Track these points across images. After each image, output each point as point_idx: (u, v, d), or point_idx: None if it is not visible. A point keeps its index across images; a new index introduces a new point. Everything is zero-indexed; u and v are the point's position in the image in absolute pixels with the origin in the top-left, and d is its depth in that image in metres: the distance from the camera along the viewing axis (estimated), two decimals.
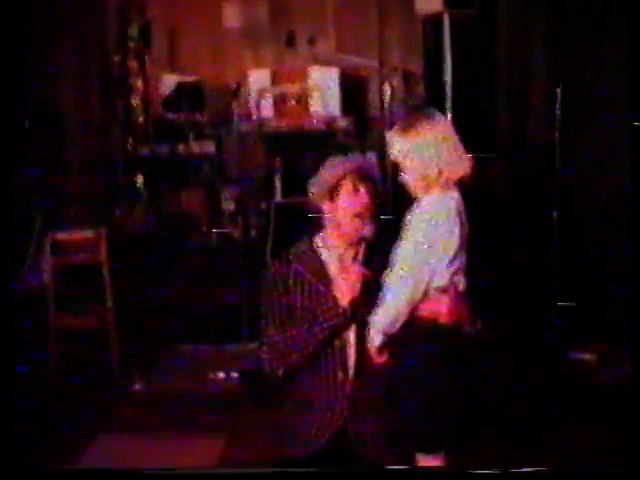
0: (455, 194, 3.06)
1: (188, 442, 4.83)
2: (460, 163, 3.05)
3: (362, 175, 3.21)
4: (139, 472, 3.16)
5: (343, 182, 3.20)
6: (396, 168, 3.09)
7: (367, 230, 3.19)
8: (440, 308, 3.06)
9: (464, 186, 3.07)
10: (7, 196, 3.85)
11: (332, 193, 3.21)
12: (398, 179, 3.09)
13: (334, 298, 3.13)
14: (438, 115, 3.12)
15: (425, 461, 3.14)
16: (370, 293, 3.10)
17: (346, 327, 3.18)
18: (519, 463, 4.16)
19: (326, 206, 3.24)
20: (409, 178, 3.07)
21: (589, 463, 4.21)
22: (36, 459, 4.33)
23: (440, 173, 3.02)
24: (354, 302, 3.12)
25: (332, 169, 3.23)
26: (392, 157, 3.10)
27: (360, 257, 3.22)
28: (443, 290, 3.06)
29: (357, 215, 3.18)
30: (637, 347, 4.26)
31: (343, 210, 3.20)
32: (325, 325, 3.13)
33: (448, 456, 3.11)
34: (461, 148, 3.07)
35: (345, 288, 3.11)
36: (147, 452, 4.72)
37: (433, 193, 3.04)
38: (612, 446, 4.37)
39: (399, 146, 3.07)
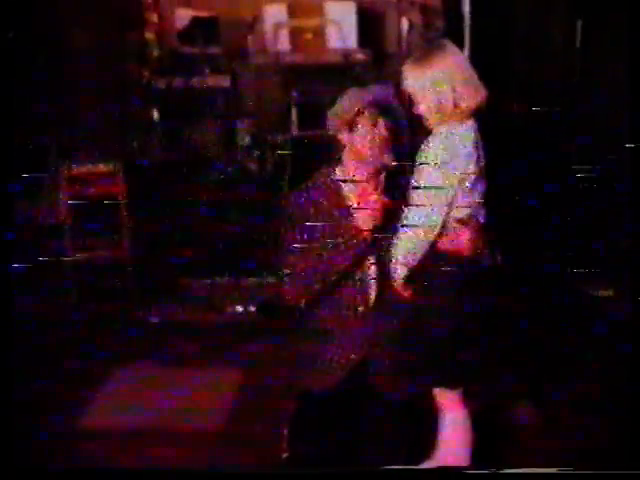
0: (471, 123, 3.05)
1: (206, 374, 4.87)
2: (475, 94, 3.05)
3: (381, 107, 3.19)
4: (139, 472, 3.20)
5: (362, 114, 3.18)
6: (411, 100, 3.08)
7: (386, 159, 3.18)
8: (460, 240, 3.06)
9: (481, 117, 3.05)
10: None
11: (351, 124, 3.20)
12: (413, 110, 3.09)
13: (355, 227, 3.12)
14: (452, 47, 3.10)
15: (443, 395, 3.16)
16: (390, 222, 3.09)
17: (367, 256, 3.17)
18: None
19: (345, 137, 3.23)
20: (424, 109, 3.06)
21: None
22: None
23: (455, 104, 3.02)
24: (375, 230, 3.11)
25: (351, 101, 3.21)
26: (407, 89, 3.09)
27: (380, 186, 3.20)
28: (464, 222, 3.06)
29: (376, 146, 3.17)
30: None
31: (362, 141, 3.18)
32: (347, 254, 3.13)
33: (465, 393, 3.14)
34: (476, 79, 3.06)
35: (366, 216, 3.11)
36: (164, 384, 4.76)
37: (449, 124, 3.03)
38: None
39: (413, 78, 3.07)
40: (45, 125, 6.88)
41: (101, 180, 6.04)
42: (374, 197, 3.13)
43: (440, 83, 3.01)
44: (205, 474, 3.40)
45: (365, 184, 3.21)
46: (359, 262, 3.18)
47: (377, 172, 3.21)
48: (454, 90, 3.01)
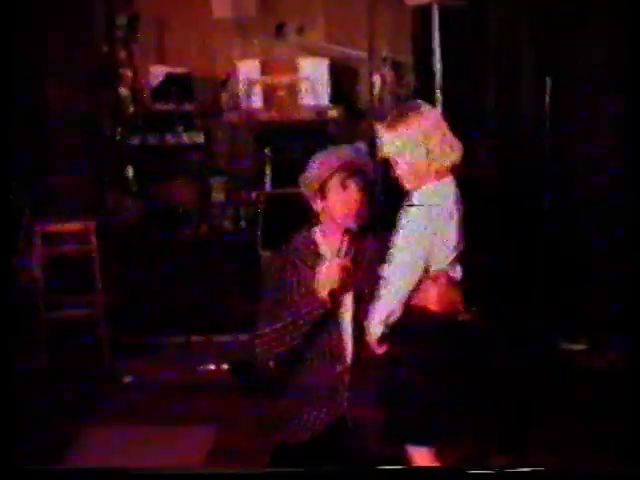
0: (449, 181, 3.06)
1: (179, 434, 4.83)
2: (451, 152, 3.05)
3: (351, 170, 3.19)
4: (139, 471, 3.15)
5: (331, 179, 3.19)
6: (387, 162, 3.09)
7: (355, 222, 3.18)
8: (428, 296, 3.07)
9: (458, 173, 3.07)
10: None
11: (322, 190, 3.20)
12: (390, 173, 3.09)
13: (313, 291, 3.13)
14: (426, 107, 3.11)
15: (416, 453, 3.14)
16: (350, 285, 3.11)
17: (332, 319, 3.18)
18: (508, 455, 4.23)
19: (317, 202, 3.24)
20: (401, 172, 3.07)
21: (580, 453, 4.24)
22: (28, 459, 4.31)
23: (430, 164, 3.02)
24: (333, 294, 3.12)
25: (319, 166, 3.21)
26: (382, 152, 3.10)
27: (344, 249, 3.19)
28: (433, 278, 3.06)
29: (347, 209, 3.17)
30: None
31: (332, 206, 3.19)
32: (306, 317, 3.14)
33: (439, 449, 3.12)
34: (451, 137, 3.07)
35: (323, 280, 3.11)
36: (136, 445, 4.70)
37: (426, 184, 3.04)
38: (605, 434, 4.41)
39: (388, 141, 3.07)
40: (18, 182, 6.87)
41: (74, 237, 6.03)
42: (333, 260, 3.14)
43: (415, 144, 3.01)
44: (205, 474, 3.34)
45: (337, 246, 3.20)
46: (322, 323, 3.18)
47: (344, 234, 3.20)
48: (429, 151, 3.00)
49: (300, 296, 3.18)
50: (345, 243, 3.17)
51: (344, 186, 3.17)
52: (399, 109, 3.14)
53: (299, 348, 3.19)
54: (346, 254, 3.16)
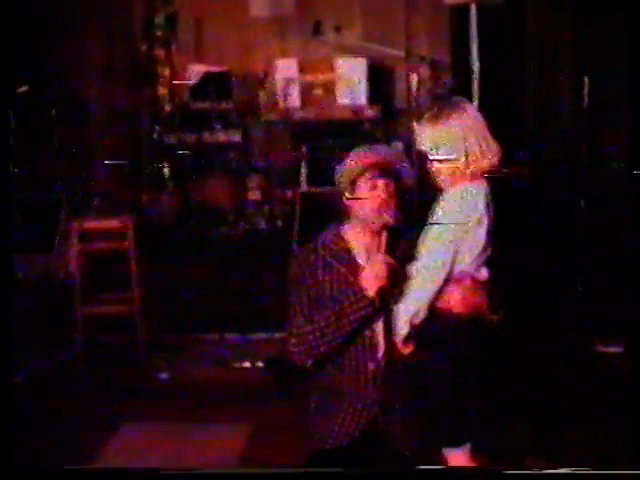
0: (483, 184, 3.04)
1: (213, 432, 4.83)
2: (488, 154, 3.03)
3: (381, 169, 3.19)
4: (140, 471, 3.17)
5: (362, 176, 3.19)
6: (423, 158, 3.08)
7: (387, 220, 3.17)
8: (453, 298, 3.05)
9: (492, 176, 3.04)
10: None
11: (353, 186, 3.21)
12: (425, 168, 3.08)
13: (361, 289, 3.11)
14: (467, 105, 3.09)
15: (452, 456, 3.13)
16: (396, 282, 3.08)
17: (374, 317, 3.16)
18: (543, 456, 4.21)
19: (349, 197, 3.24)
20: (436, 168, 3.06)
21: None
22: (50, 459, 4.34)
23: (467, 164, 3.00)
24: (381, 292, 3.10)
25: (353, 163, 3.22)
26: (419, 147, 3.09)
27: (383, 246, 3.19)
28: (457, 280, 3.05)
29: (376, 208, 3.17)
30: None
31: (361, 203, 3.19)
32: (353, 317, 3.12)
33: (474, 450, 3.10)
34: (490, 138, 3.05)
35: (371, 278, 3.10)
36: (171, 443, 4.71)
37: (460, 184, 3.03)
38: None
39: (427, 136, 3.06)
40: (57, 180, 6.94)
41: (112, 235, 6.07)
42: (378, 257, 3.13)
43: (453, 143, 3.00)
44: (205, 474, 3.34)
45: (371, 244, 3.21)
46: (367, 322, 3.17)
47: (380, 231, 3.20)
48: (468, 151, 2.99)
49: (341, 294, 3.16)
50: (385, 239, 3.16)
51: (373, 184, 3.17)
52: (440, 104, 3.12)
53: (338, 347, 3.18)
54: (386, 251, 3.15)
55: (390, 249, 3.18)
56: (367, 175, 3.17)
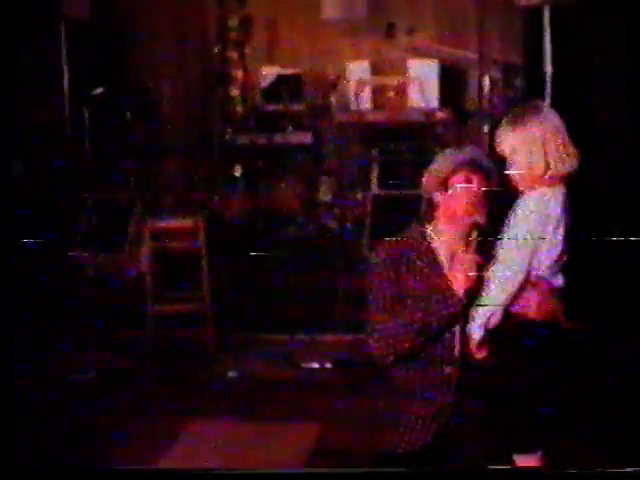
0: (561, 189, 3.01)
1: (281, 431, 4.85)
2: (567, 159, 3.00)
3: (475, 166, 3.19)
4: (140, 472, 3.19)
5: (455, 174, 3.19)
6: (503, 160, 3.07)
7: (479, 219, 3.16)
8: (529, 303, 3.03)
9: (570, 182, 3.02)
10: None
11: (445, 184, 3.20)
12: (505, 171, 3.07)
13: (449, 288, 3.10)
14: (548, 109, 3.07)
15: (523, 461, 3.10)
16: (482, 283, 3.07)
17: (457, 319, 3.14)
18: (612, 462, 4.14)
19: (440, 196, 3.23)
20: (515, 172, 3.04)
21: None
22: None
23: (547, 169, 2.98)
24: (470, 291, 3.09)
25: (446, 161, 3.22)
26: (499, 151, 3.08)
27: (473, 245, 3.18)
28: (534, 285, 3.03)
29: (469, 205, 3.16)
30: None
31: (456, 200, 3.18)
32: (440, 315, 3.10)
33: (545, 455, 3.08)
34: (569, 143, 3.02)
35: (461, 277, 3.08)
36: (238, 442, 4.72)
37: (539, 188, 3.01)
38: None
39: (507, 140, 3.05)
40: (130, 180, 7.04)
41: (183, 234, 6.13)
42: (468, 256, 3.11)
43: (533, 146, 2.98)
44: (205, 474, 3.35)
45: (457, 242, 3.19)
46: (452, 321, 3.15)
47: (470, 230, 3.19)
48: (547, 155, 2.98)
49: (424, 293, 3.16)
50: (475, 239, 3.16)
51: (468, 181, 3.16)
52: (520, 107, 3.10)
53: (420, 346, 3.16)
54: (475, 250, 3.14)
55: (478, 248, 3.17)
56: (462, 172, 3.17)
